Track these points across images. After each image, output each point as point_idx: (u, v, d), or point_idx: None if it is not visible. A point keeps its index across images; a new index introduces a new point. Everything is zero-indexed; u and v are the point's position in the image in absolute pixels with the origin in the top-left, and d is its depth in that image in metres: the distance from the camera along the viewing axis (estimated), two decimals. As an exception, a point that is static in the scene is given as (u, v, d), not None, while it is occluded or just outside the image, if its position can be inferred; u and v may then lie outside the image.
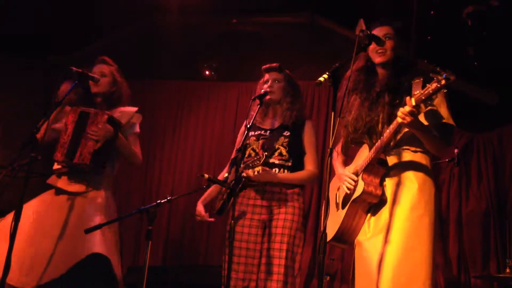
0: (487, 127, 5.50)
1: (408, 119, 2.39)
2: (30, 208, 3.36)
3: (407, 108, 2.38)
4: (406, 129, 2.55)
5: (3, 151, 5.58)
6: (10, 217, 3.20)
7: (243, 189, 3.44)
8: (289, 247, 3.31)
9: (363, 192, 2.60)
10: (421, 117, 2.53)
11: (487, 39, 4.68)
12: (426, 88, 2.30)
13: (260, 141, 3.52)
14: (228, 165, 3.50)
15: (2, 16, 5.33)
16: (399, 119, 2.42)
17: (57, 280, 3.18)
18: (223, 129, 6.28)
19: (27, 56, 5.80)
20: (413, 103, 2.35)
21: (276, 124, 3.57)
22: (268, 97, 3.47)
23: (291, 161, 3.43)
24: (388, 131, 2.54)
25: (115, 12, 5.61)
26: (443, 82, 2.22)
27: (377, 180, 2.65)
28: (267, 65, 3.64)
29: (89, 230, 3.11)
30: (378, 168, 2.65)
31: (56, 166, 3.55)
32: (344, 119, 2.86)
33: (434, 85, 2.26)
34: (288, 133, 3.49)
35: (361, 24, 2.64)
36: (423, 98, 2.31)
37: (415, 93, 2.38)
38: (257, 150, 3.50)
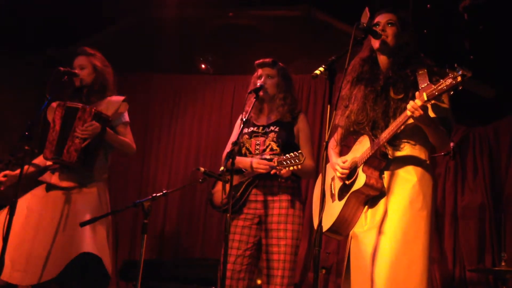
0: (483, 121, 5.51)
1: (418, 113, 2.35)
2: (23, 203, 3.35)
3: (418, 103, 2.32)
4: (408, 123, 2.51)
5: (-1, 145, 5.56)
6: (4, 212, 3.19)
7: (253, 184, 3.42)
8: (288, 241, 3.31)
9: (365, 184, 2.58)
10: (429, 111, 2.49)
11: (484, 33, 4.67)
12: (439, 84, 2.23)
13: (253, 140, 3.50)
14: (223, 159, 3.49)
15: (-2, 10, 5.31)
16: (408, 113, 2.37)
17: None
18: (219, 123, 6.28)
19: (22, 49, 5.76)
20: (425, 98, 2.29)
21: (270, 120, 3.55)
22: (261, 93, 3.45)
23: (282, 154, 3.40)
24: (395, 124, 2.50)
25: (112, 6, 5.59)
26: (459, 79, 2.14)
27: (377, 173, 2.63)
28: (260, 60, 3.60)
29: (83, 224, 3.12)
30: (380, 161, 2.62)
31: (48, 162, 3.54)
32: (346, 109, 2.82)
33: (449, 81, 2.18)
34: (278, 128, 3.47)
35: (366, 13, 2.61)
36: (436, 93, 2.25)
37: (423, 86, 2.33)
38: (250, 149, 3.48)
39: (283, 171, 3.20)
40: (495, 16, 4.59)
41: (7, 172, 3.50)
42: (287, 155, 3.17)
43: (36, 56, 6.01)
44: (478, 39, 4.68)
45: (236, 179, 3.37)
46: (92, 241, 3.27)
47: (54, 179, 3.47)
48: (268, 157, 3.35)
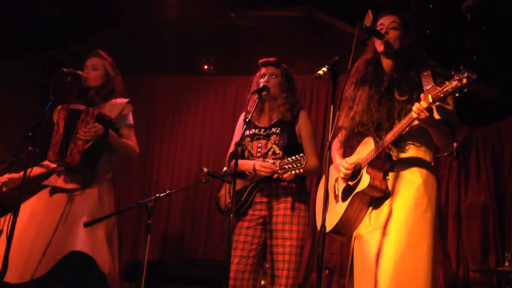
0: (485, 121, 5.51)
1: (423, 115, 2.35)
2: (27, 206, 3.36)
3: (424, 104, 2.33)
4: (413, 124, 2.51)
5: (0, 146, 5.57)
6: (8, 216, 3.20)
7: (257, 188, 3.42)
8: (293, 242, 3.31)
9: (369, 185, 2.57)
10: (434, 113, 2.49)
11: (486, 33, 4.67)
12: (444, 85, 2.24)
13: (255, 142, 3.49)
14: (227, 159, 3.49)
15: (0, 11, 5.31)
16: (414, 115, 2.38)
17: (49, 276, 3.19)
18: (222, 123, 6.28)
19: (22, 49, 5.77)
20: (430, 100, 2.30)
21: (271, 121, 3.55)
22: (264, 93, 3.45)
23: (285, 157, 3.39)
24: (399, 126, 2.51)
25: (114, 6, 5.59)
26: (464, 81, 2.15)
27: (381, 174, 2.63)
28: (264, 59, 3.60)
29: (87, 224, 3.12)
30: (384, 162, 2.62)
31: (53, 164, 3.55)
32: (350, 110, 2.82)
33: (454, 83, 2.19)
34: (279, 129, 3.47)
35: (369, 15, 2.61)
36: (441, 95, 2.25)
37: (427, 88, 2.33)
38: (252, 152, 3.48)
39: (286, 175, 3.20)
40: (498, 16, 4.58)
41: (12, 175, 3.50)
42: (289, 158, 3.17)
43: (36, 56, 6.01)
44: (480, 39, 4.68)
45: (240, 183, 3.37)
46: (86, 240, 3.25)
47: (59, 182, 3.48)
48: (271, 161, 3.36)
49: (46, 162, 3.59)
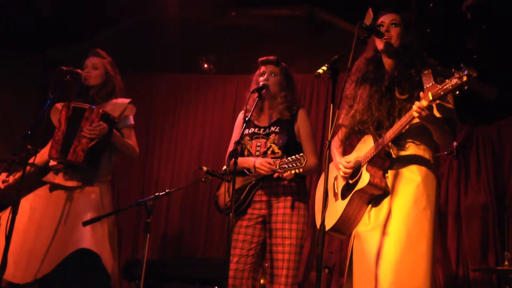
0: (486, 120, 5.50)
1: (424, 113, 2.36)
2: (26, 203, 3.36)
3: (424, 103, 2.33)
4: (412, 122, 2.51)
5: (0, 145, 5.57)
6: (7, 212, 3.20)
7: (257, 185, 3.42)
8: (292, 241, 3.30)
9: (369, 183, 2.58)
10: (434, 111, 2.50)
11: (487, 32, 4.66)
12: (445, 83, 2.24)
13: (254, 141, 3.49)
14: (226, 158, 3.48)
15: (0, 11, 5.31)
16: (415, 114, 2.38)
17: (51, 276, 3.19)
18: (222, 122, 6.28)
19: (22, 49, 5.77)
20: (430, 98, 2.30)
21: (271, 120, 3.54)
22: (264, 91, 3.45)
23: (285, 156, 3.39)
24: (399, 124, 2.51)
25: (114, 6, 5.59)
26: (464, 78, 2.15)
27: (381, 172, 2.63)
28: (264, 58, 3.60)
29: (86, 223, 3.12)
30: (383, 160, 2.63)
31: (52, 162, 3.54)
32: (351, 109, 2.82)
33: (454, 80, 2.19)
34: (278, 128, 3.46)
35: (370, 14, 2.61)
36: (442, 93, 2.25)
37: (427, 86, 2.33)
38: (251, 150, 3.48)
39: (285, 174, 3.20)
40: (498, 16, 4.58)
41: (10, 178, 3.51)
42: (289, 158, 3.16)
43: (36, 56, 6.01)
44: (481, 38, 4.67)
45: (239, 181, 3.37)
46: (91, 238, 3.26)
47: (58, 179, 3.48)
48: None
49: (34, 160, 3.57)
